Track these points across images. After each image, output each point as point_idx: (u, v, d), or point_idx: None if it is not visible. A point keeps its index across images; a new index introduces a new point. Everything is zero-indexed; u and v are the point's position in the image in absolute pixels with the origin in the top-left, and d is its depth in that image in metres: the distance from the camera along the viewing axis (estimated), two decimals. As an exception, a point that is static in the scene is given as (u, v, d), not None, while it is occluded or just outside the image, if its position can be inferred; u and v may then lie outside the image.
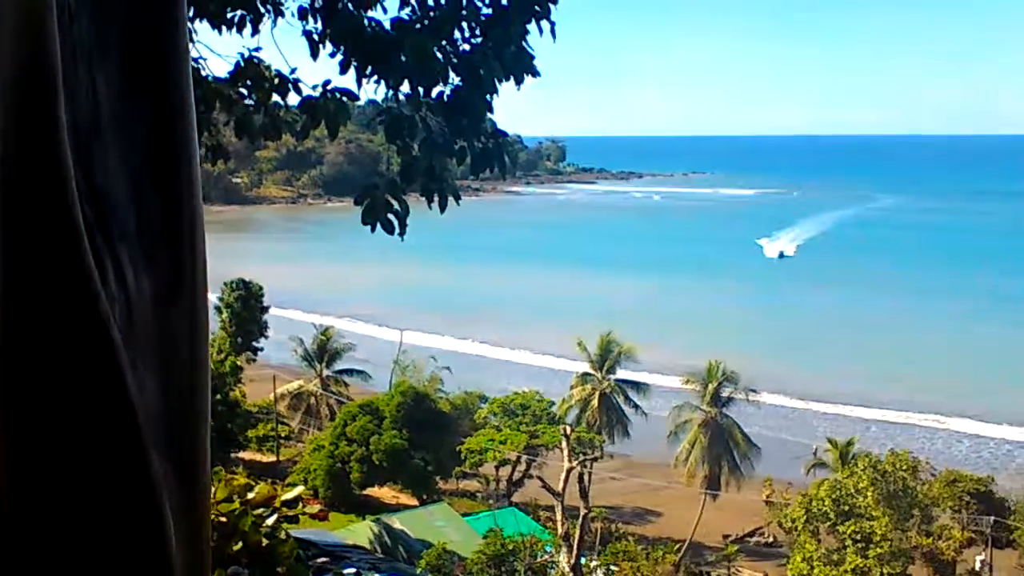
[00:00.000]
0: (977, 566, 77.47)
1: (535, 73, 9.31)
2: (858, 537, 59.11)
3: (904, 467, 66.66)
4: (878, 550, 57.83)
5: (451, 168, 9.88)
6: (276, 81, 10.12)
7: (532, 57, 9.17)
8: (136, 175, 4.23)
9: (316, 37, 9.43)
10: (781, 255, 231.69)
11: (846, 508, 62.74)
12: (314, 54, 9.51)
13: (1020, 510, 76.68)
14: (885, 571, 57.14)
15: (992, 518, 72.39)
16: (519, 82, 9.26)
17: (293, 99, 10.26)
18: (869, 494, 62.97)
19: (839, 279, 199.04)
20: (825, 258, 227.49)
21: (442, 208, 9.67)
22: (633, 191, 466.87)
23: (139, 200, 4.19)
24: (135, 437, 3.88)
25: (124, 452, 3.87)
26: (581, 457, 61.46)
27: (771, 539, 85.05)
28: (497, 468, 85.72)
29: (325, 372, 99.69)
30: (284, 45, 10.03)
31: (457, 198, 9.80)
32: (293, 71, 10.10)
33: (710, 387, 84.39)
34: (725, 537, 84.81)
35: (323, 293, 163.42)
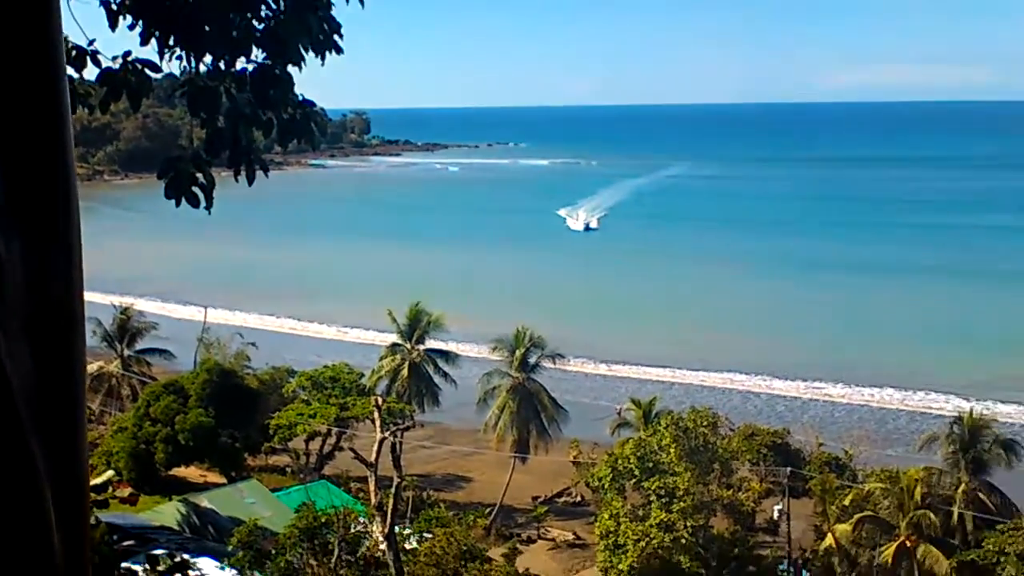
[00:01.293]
0: (775, 515, 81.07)
1: (339, 49, 9.38)
2: (662, 492, 61.00)
3: (704, 423, 69.07)
4: (682, 504, 59.83)
5: (257, 140, 9.84)
6: (73, 54, 9.88)
7: (339, 26, 9.24)
8: (2, 138, 3.96)
9: (115, 7, 9.24)
10: (587, 227, 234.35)
11: (650, 465, 64.64)
12: (112, 25, 9.30)
13: (814, 460, 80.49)
14: (688, 524, 59.17)
15: (788, 469, 75.71)
16: (322, 54, 9.31)
17: (91, 73, 9.99)
18: (672, 450, 65.00)
19: (641, 248, 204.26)
20: (627, 228, 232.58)
21: (250, 181, 9.65)
22: (435, 162, 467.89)
23: (8, 167, 3.97)
24: (11, 415, 3.60)
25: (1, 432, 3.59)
26: (392, 427, 61.57)
27: (579, 498, 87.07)
28: (307, 442, 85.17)
29: (126, 352, 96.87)
30: (80, 16, 9.80)
31: (265, 170, 9.78)
32: (91, 43, 9.87)
33: (518, 353, 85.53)
34: (534, 499, 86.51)
35: (122, 272, 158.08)
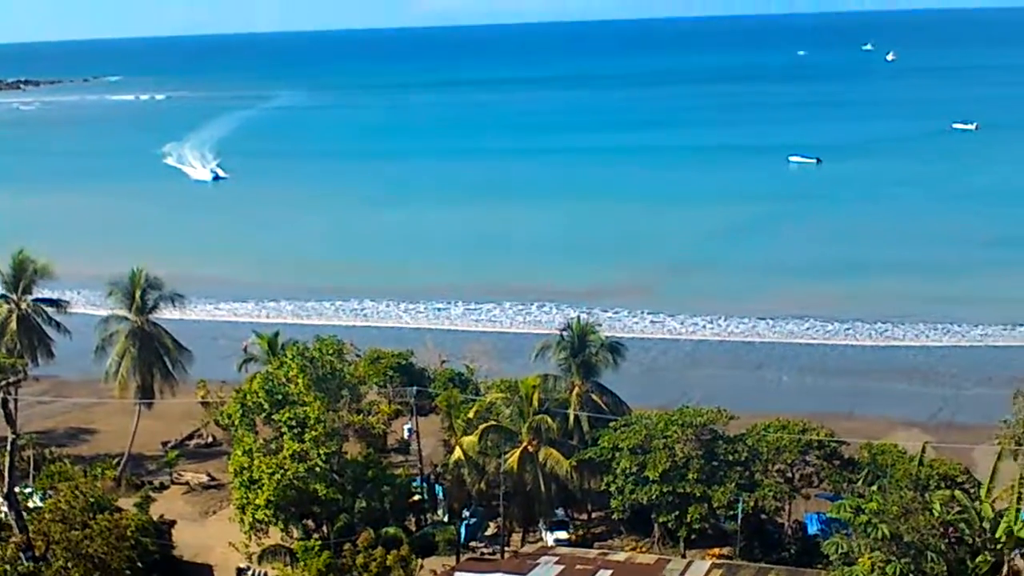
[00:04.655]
0: (405, 435, 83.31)
1: None
2: (294, 423, 61.17)
3: (330, 351, 69.64)
4: (313, 433, 60.22)
5: None
6: None
7: None
8: None
9: None
10: (216, 177, 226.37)
11: (279, 397, 64.60)
12: None
13: (438, 378, 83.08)
14: (321, 452, 59.71)
15: (415, 388, 77.69)
16: None
17: None
18: (300, 381, 65.26)
19: (265, 191, 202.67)
20: (251, 170, 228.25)
21: None
22: (11, 102, 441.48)
23: None
24: None
25: None
26: (3, 383, 58.55)
27: (210, 439, 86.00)
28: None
29: None
30: None
31: None
32: None
33: (136, 295, 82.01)
34: (164, 444, 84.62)
35: None
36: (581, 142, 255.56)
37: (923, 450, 60.86)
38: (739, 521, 61.78)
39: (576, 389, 70.50)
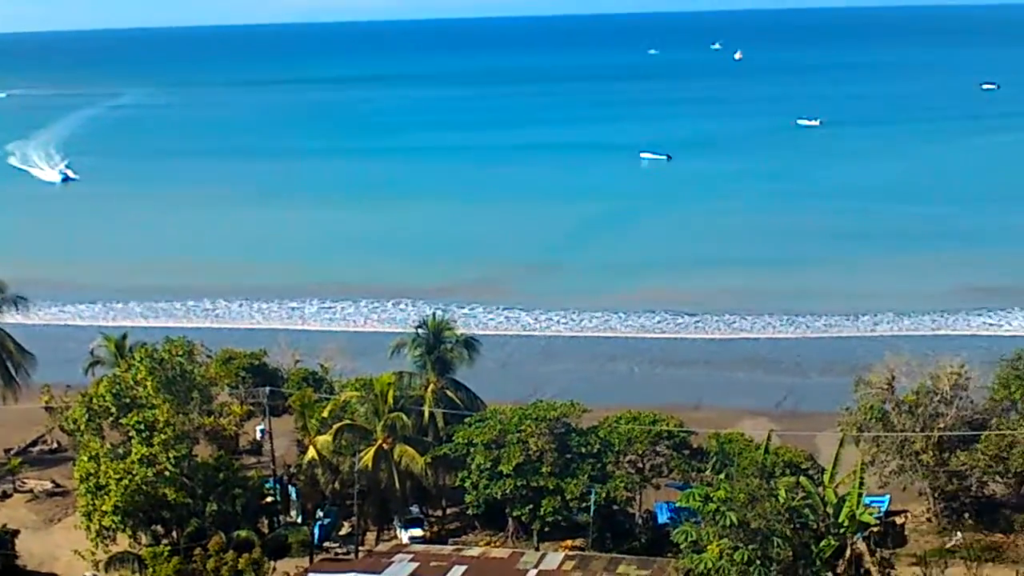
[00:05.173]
0: (258, 436, 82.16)
1: None
2: (142, 427, 59.84)
3: (180, 352, 68.35)
4: (162, 436, 59.00)
5: None
6: None
7: None
8: None
9: None
10: (65, 178, 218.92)
11: (127, 400, 63.27)
12: None
13: (292, 377, 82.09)
14: (171, 455, 58.54)
15: (268, 388, 76.65)
16: None
17: None
18: (148, 383, 63.89)
19: (117, 192, 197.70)
20: (103, 170, 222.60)
21: None
22: None
23: None
24: None
25: None
26: None
27: (55, 445, 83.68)
28: None
29: None
30: None
31: None
32: None
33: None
34: (7, 451, 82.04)
35: None
36: (432, 141, 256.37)
37: (768, 438, 62.46)
38: (592, 512, 62.59)
39: (431, 386, 70.68)
